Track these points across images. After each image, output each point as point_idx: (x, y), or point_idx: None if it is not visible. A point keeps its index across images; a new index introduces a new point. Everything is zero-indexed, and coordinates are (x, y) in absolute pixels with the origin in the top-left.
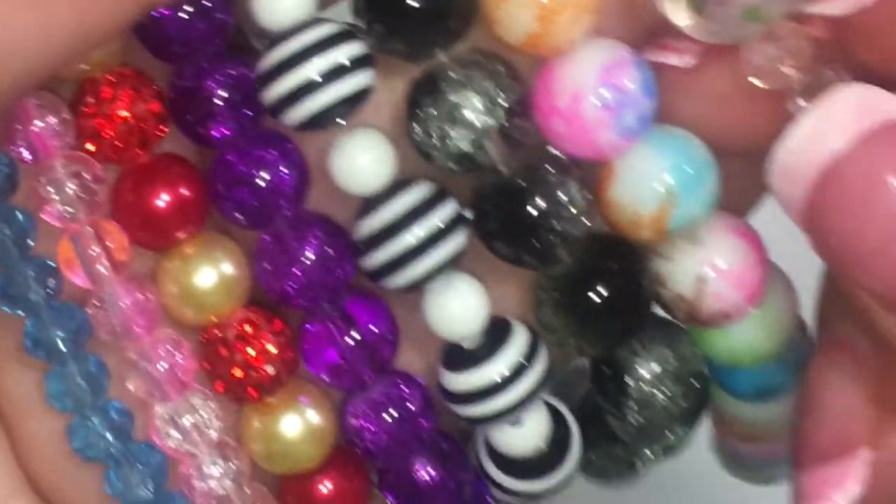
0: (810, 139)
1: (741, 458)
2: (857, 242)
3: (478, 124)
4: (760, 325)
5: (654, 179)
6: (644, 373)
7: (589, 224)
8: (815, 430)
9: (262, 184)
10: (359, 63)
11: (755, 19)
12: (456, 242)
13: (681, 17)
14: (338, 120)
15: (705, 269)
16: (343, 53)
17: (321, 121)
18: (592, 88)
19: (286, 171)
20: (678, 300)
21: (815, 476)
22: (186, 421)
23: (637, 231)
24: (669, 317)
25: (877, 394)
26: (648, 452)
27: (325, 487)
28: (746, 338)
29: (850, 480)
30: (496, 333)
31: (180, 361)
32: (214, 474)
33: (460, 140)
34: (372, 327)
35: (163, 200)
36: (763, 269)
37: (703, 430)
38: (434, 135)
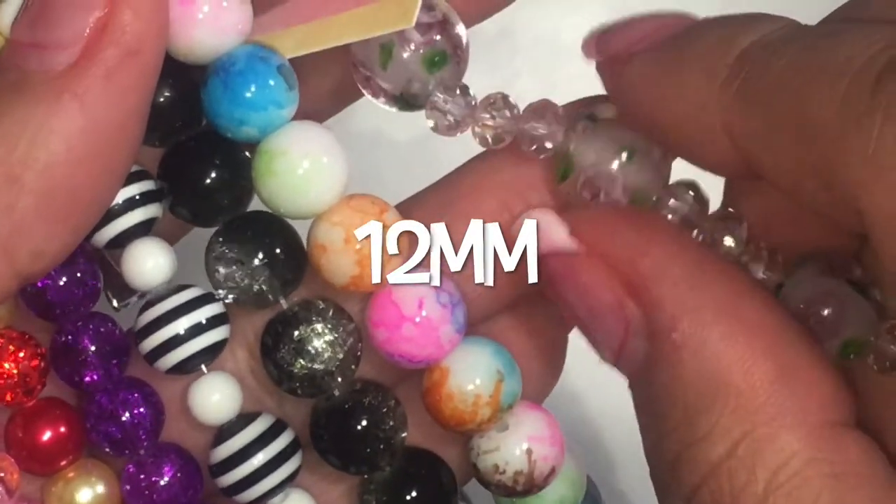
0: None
1: None
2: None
3: (322, 355)
4: (566, 479)
5: (488, 364)
6: None
7: (405, 435)
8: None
9: (125, 420)
10: (215, 321)
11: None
12: (293, 464)
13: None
14: (201, 366)
15: (526, 443)
16: (203, 314)
17: (186, 367)
18: (433, 293)
19: (145, 409)
20: (518, 476)
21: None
22: None
23: (477, 412)
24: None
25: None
26: None
27: None
28: (560, 492)
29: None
30: None
31: None
32: None
33: (306, 369)
34: None
35: (46, 437)
36: (557, 424)
37: None
38: (284, 365)
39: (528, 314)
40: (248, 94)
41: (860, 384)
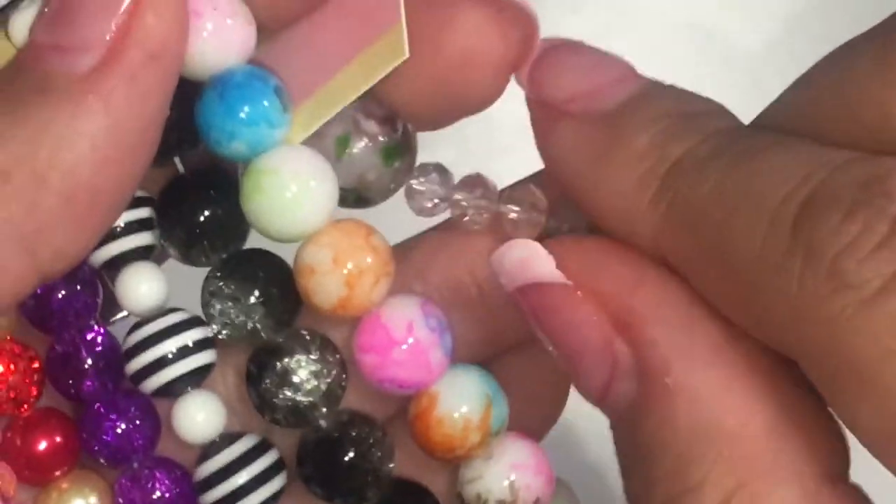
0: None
1: None
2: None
3: (306, 386)
4: None
5: (476, 389)
6: None
7: (392, 466)
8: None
9: (121, 431)
10: (202, 344)
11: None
12: (275, 484)
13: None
14: (188, 389)
15: (509, 470)
16: (190, 337)
17: (172, 389)
18: (421, 317)
19: (142, 421)
20: None
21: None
22: None
23: (467, 437)
24: None
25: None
26: None
27: None
28: None
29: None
30: None
31: None
32: None
33: (289, 400)
34: None
35: (42, 446)
36: (545, 455)
37: None
38: (268, 396)
39: (529, 351)
40: (243, 109)
41: None
